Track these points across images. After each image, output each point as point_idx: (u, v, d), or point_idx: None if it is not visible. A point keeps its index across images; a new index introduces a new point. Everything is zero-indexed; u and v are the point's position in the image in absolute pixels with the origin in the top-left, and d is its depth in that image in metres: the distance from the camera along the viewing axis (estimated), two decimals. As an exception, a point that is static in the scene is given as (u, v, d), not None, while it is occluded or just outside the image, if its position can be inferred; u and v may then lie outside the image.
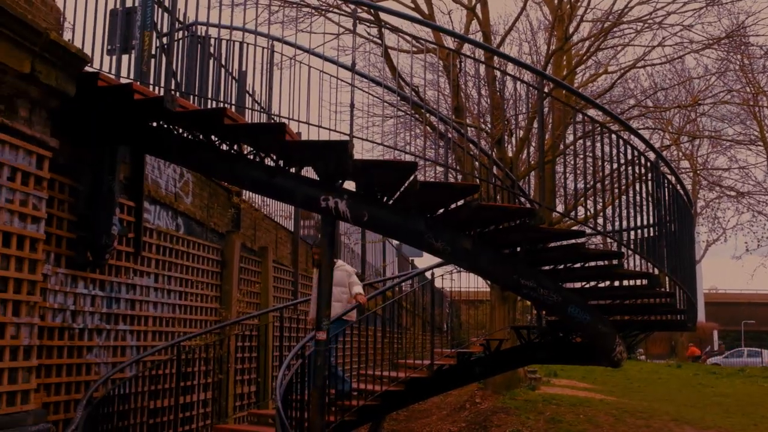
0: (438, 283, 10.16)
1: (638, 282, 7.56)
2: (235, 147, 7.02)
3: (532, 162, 16.37)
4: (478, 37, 18.66)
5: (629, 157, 7.48)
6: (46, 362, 6.86)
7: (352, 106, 6.67)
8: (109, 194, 7.53)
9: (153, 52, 7.50)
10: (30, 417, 6.10)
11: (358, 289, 9.03)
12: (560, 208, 17.58)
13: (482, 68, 18.27)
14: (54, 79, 6.41)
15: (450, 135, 7.89)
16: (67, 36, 6.80)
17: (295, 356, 7.90)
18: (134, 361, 8.08)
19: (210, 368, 9.91)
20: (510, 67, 18.07)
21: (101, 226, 7.45)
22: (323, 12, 17.95)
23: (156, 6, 7.44)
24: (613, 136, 7.38)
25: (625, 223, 7.40)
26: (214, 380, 10.03)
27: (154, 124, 7.35)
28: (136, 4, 7.38)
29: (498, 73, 17.03)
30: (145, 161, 8.70)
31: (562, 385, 21.69)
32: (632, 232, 7.47)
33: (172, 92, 6.70)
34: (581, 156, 7.93)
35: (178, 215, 9.74)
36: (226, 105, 7.27)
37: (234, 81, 8.19)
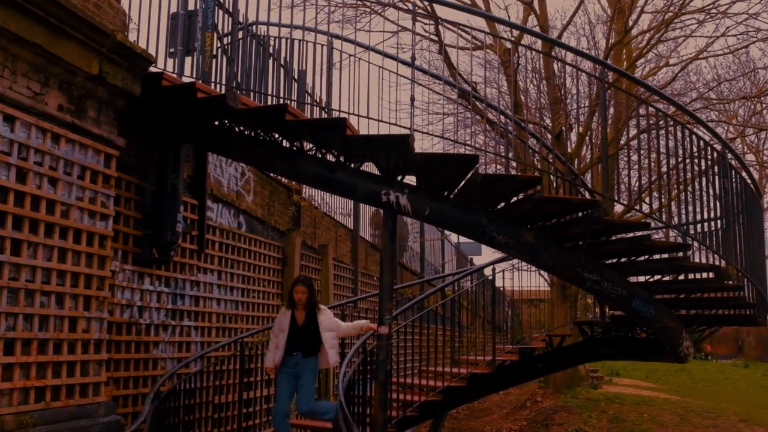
0: (497, 283, 10.06)
1: (705, 275, 7.38)
2: (296, 143, 7.08)
3: (595, 155, 16.15)
4: (535, 38, 18.47)
5: (695, 148, 7.30)
6: (114, 356, 7.01)
7: (412, 99, 6.66)
8: (174, 192, 7.66)
9: (214, 52, 7.63)
10: (101, 409, 6.25)
11: (359, 323, 8.10)
12: (622, 205, 17.28)
13: (541, 63, 18.12)
14: (120, 80, 6.56)
15: (510, 128, 7.80)
16: (131, 38, 6.94)
17: (356, 352, 7.93)
18: (198, 357, 8.20)
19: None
20: (570, 59, 17.82)
21: (166, 223, 7.59)
22: (381, 11, 18.00)
23: (217, 8, 7.56)
24: (679, 126, 7.21)
25: (691, 216, 7.23)
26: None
27: (217, 122, 7.46)
28: (197, 7, 7.50)
29: (558, 65, 16.80)
30: (208, 160, 8.83)
31: (625, 385, 21.28)
32: (698, 225, 7.30)
33: (234, 90, 6.78)
34: (645, 148, 7.77)
35: (240, 213, 9.87)
36: (287, 101, 7.32)
37: (294, 81, 8.24)
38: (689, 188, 7.33)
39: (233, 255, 9.48)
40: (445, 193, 6.85)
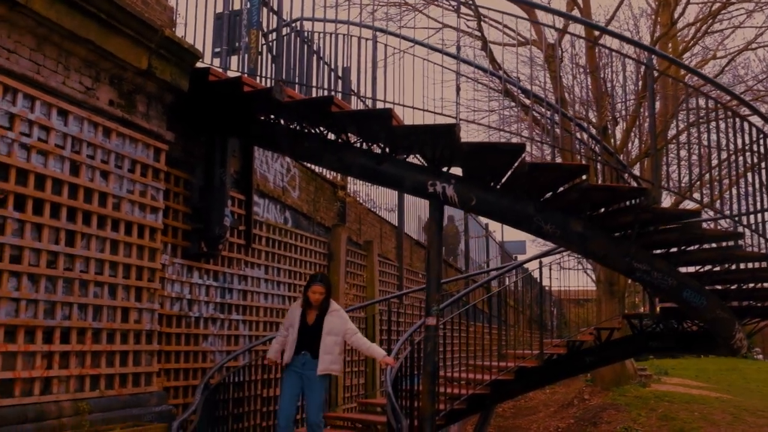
0: (542, 281, 10.01)
1: (759, 265, 7.22)
2: (342, 136, 7.11)
3: (641, 149, 15.98)
4: (579, 29, 18.29)
5: (747, 137, 7.15)
6: (165, 348, 7.11)
7: (458, 89, 6.65)
8: (221, 187, 7.74)
9: (259, 49, 7.72)
10: (153, 398, 6.34)
11: (376, 349, 7.61)
12: (671, 199, 17.01)
13: (585, 57, 17.93)
14: (169, 75, 6.66)
15: (556, 119, 7.73)
16: (178, 33, 7.04)
17: (403, 345, 7.93)
18: (246, 350, 8.27)
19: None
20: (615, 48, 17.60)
21: (214, 217, 7.67)
22: (423, 8, 18.01)
23: (262, 6, 7.64)
24: (731, 114, 7.08)
25: (743, 205, 7.09)
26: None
27: (263, 117, 7.53)
28: (242, 6, 7.59)
29: (604, 54, 16.61)
30: (254, 156, 8.91)
31: (674, 383, 20.96)
32: (752, 216, 7.14)
33: (280, 83, 6.84)
34: (695, 137, 7.64)
35: (286, 209, 9.94)
36: (333, 93, 7.37)
37: (338, 78, 8.28)
38: (742, 178, 7.19)
39: (279, 250, 9.55)
40: (492, 183, 6.82)
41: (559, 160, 7.25)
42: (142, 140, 6.49)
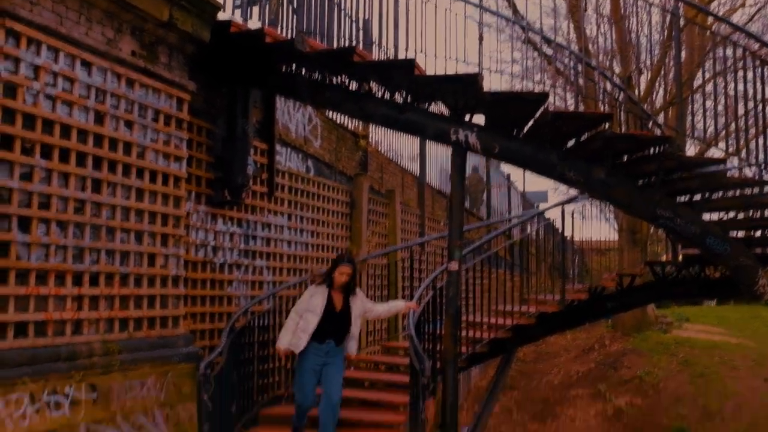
0: (563, 230, 10.05)
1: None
2: (364, 86, 7.16)
3: (666, 98, 15.77)
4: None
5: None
6: (191, 293, 7.31)
7: (480, 38, 6.67)
8: (243, 136, 7.85)
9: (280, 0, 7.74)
10: (180, 340, 6.57)
11: (396, 304, 7.84)
12: (695, 149, 16.89)
13: (608, 7, 17.67)
14: (190, 26, 6.72)
15: (580, 67, 7.72)
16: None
17: (426, 289, 8.07)
18: (270, 295, 8.46)
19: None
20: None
21: (237, 166, 7.80)
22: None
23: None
24: (758, 62, 6.99)
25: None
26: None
27: (284, 67, 7.59)
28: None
29: (629, 2, 16.32)
30: (276, 106, 8.99)
31: (695, 330, 20.96)
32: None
33: (302, 33, 6.89)
34: (722, 87, 7.57)
35: (308, 158, 10.04)
36: (354, 43, 7.40)
37: (359, 30, 8.28)
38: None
39: (302, 198, 9.69)
40: (515, 131, 6.85)
41: (582, 109, 7.26)
42: (164, 90, 6.60)
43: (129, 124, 6.19)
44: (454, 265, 7.10)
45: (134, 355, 5.92)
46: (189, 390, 5.85)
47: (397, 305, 7.60)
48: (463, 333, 8.24)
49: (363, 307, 7.01)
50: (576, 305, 9.23)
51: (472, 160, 18.62)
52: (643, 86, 18.01)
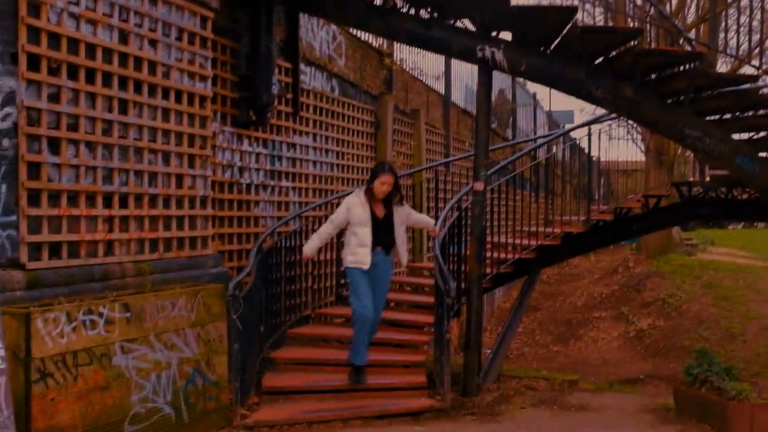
0: (588, 150, 9.94)
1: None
2: (389, 0, 6.98)
3: (701, 12, 15.37)
4: None
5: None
6: (218, 214, 7.32)
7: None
8: (268, 54, 7.71)
9: None
10: (209, 261, 6.62)
11: (426, 219, 7.60)
12: (727, 67, 16.42)
13: None
14: (212, -61, 6.54)
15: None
16: None
17: (452, 209, 8.04)
18: (296, 216, 8.46)
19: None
20: None
21: (262, 85, 7.68)
22: None
23: None
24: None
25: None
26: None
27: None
28: None
29: None
30: (300, 23, 8.81)
31: (720, 253, 20.91)
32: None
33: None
34: (758, 1, 7.29)
35: (332, 77, 9.90)
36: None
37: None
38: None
39: (327, 118, 9.59)
40: (542, 48, 6.68)
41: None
42: (187, 8, 6.47)
43: (153, 43, 6.10)
44: (479, 185, 7.05)
45: (165, 276, 5.99)
46: (218, 310, 5.91)
47: (429, 221, 7.43)
48: (488, 254, 8.24)
49: (405, 214, 6.87)
50: (601, 226, 9.18)
51: (499, 84, 18.34)
52: (674, 1, 17.49)
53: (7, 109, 4.81)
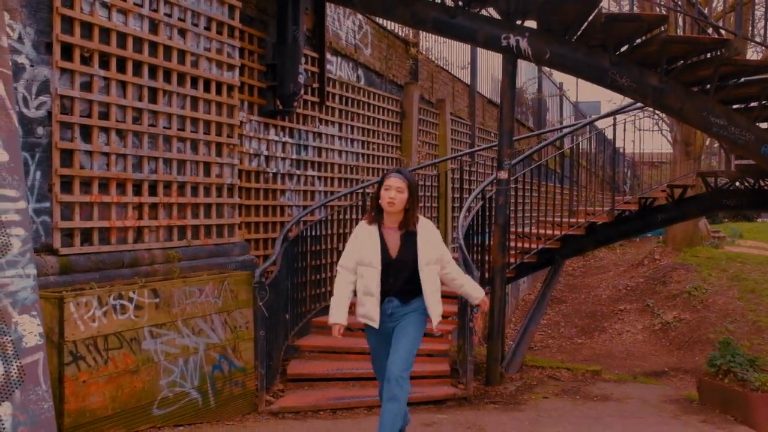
0: (616, 143, 9.93)
1: None
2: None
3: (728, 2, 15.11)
4: None
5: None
6: (245, 202, 7.41)
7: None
8: (295, 44, 7.77)
9: None
10: (236, 249, 6.71)
11: (475, 286, 5.02)
12: (757, 55, 16.22)
13: None
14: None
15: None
16: None
17: (475, 199, 8.06)
18: (321, 205, 8.53)
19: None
20: None
21: (288, 75, 7.75)
22: None
23: None
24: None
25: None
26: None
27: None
28: None
29: None
30: (326, 13, 8.86)
31: (748, 246, 20.72)
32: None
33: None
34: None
35: (359, 66, 9.94)
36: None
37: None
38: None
39: (353, 108, 9.64)
40: (566, 35, 6.67)
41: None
42: (216, -3, 6.54)
43: (182, 33, 6.17)
44: (503, 174, 7.07)
45: (193, 263, 6.08)
46: (245, 297, 6.00)
47: (471, 291, 4.96)
48: (512, 244, 8.26)
49: (438, 251, 4.59)
50: (626, 216, 9.17)
51: (525, 74, 18.26)
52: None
53: (42, 98, 4.91)
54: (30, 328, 2.26)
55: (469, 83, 14.52)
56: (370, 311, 4.56)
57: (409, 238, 4.53)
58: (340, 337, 4.64)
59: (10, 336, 2.38)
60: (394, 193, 4.45)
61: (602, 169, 14.17)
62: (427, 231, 4.58)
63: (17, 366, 2.23)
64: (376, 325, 4.56)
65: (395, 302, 4.56)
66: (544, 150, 10.84)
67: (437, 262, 4.57)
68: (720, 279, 15.87)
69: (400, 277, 4.53)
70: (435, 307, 4.57)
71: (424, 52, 12.31)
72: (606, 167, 13.96)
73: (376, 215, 4.58)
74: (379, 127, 10.34)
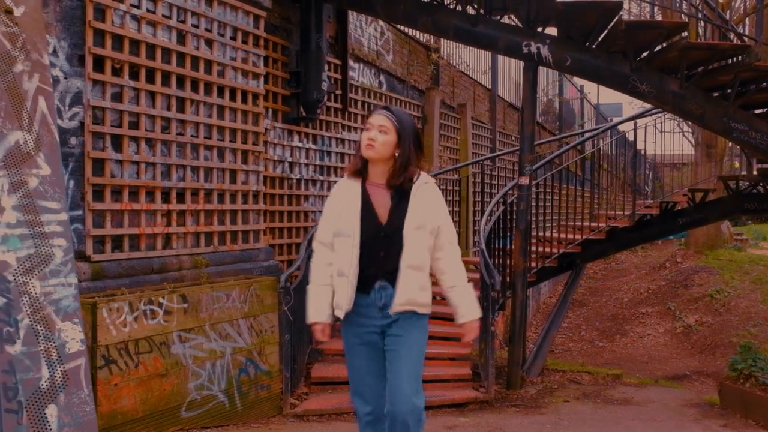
0: (638, 145, 9.96)
1: None
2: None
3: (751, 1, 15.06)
4: None
5: None
6: (270, 208, 7.53)
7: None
8: (318, 52, 7.89)
9: None
10: (261, 254, 6.83)
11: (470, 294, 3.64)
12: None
13: None
14: (264, -60, 6.73)
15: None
16: None
17: (497, 204, 8.14)
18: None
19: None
20: None
21: (312, 82, 7.86)
22: None
23: None
24: None
25: None
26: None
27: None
28: None
29: None
30: (349, 20, 8.98)
31: (772, 248, 20.64)
32: None
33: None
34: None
35: (380, 72, 10.06)
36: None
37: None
38: None
39: (375, 114, 9.73)
40: (587, 42, 6.75)
41: (660, 17, 7.07)
42: (241, 8, 6.67)
43: (209, 43, 6.31)
44: (524, 180, 7.16)
45: (219, 268, 6.21)
46: (270, 301, 6.11)
47: (461, 301, 3.57)
48: (533, 248, 8.33)
49: (433, 217, 3.45)
50: (647, 220, 9.21)
51: (546, 77, 18.29)
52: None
53: (75, 109, 5.05)
54: (72, 335, 2.38)
55: (489, 87, 14.59)
56: (342, 300, 3.40)
57: (402, 199, 3.40)
58: (327, 339, 3.57)
59: (54, 342, 2.51)
60: (375, 132, 3.35)
61: (623, 171, 14.19)
62: (426, 190, 3.44)
63: (61, 371, 2.36)
64: (325, 318, 3.47)
65: (390, 290, 3.38)
66: (565, 153, 10.89)
67: (432, 232, 3.42)
68: (742, 282, 15.81)
69: (389, 249, 3.37)
70: (413, 293, 3.36)
71: (445, 58, 12.41)
72: (627, 170, 13.98)
73: (360, 167, 3.45)
74: (400, 133, 10.42)
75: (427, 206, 3.43)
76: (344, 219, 3.39)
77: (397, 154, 3.39)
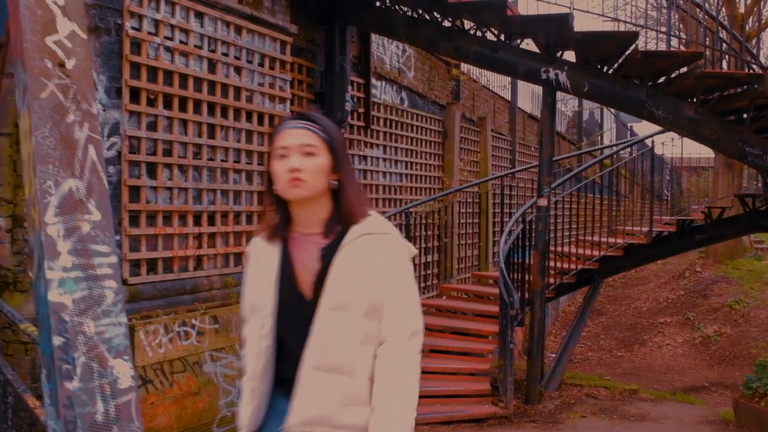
0: (658, 150, 10.06)
1: None
2: (457, 23, 7.31)
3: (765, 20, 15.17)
4: None
5: None
6: (295, 226, 7.75)
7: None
8: (342, 72, 8.13)
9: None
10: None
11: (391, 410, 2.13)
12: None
13: None
14: (291, -31, 6.97)
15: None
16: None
17: (516, 222, 8.33)
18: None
19: (435, 233, 10.60)
20: None
21: (336, 102, 8.10)
22: None
23: None
24: None
25: None
26: (440, 244, 10.74)
27: (379, 3, 7.79)
28: None
29: None
30: (371, 40, 9.20)
31: (793, 257, 20.56)
32: None
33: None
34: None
35: (402, 89, 10.27)
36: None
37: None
38: None
39: (396, 130, 9.95)
40: (604, 69, 6.93)
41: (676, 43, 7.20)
42: (269, 35, 6.92)
43: (238, 70, 6.56)
44: (543, 202, 7.35)
45: (248, 287, 6.44)
46: (296, 318, 6.35)
47: (377, 423, 2.09)
48: (551, 263, 8.51)
49: (374, 291, 2.11)
50: (664, 237, 9.35)
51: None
52: (742, 9, 17.29)
53: (113, 139, 5.31)
54: (124, 371, 2.58)
55: (509, 99, 14.76)
56: (241, 410, 2.23)
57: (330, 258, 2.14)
58: None
59: (107, 379, 2.73)
60: (296, 158, 2.13)
61: (642, 177, 14.31)
62: (366, 245, 2.13)
63: (114, 405, 2.56)
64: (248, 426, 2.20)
65: (284, 399, 2.16)
66: (585, 169, 11.07)
67: (369, 315, 2.11)
68: (762, 292, 15.84)
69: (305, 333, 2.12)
70: (325, 407, 2.09)
71: (465, 73, 12.59)
72: (646, 177, 14.10)
73: (279, 218, 2.25)
74: (421, 148, 10.65)
75: (363, 272, 2.11)
76: (257, 292, 2.23)
77: (335, 182, 2.17)
